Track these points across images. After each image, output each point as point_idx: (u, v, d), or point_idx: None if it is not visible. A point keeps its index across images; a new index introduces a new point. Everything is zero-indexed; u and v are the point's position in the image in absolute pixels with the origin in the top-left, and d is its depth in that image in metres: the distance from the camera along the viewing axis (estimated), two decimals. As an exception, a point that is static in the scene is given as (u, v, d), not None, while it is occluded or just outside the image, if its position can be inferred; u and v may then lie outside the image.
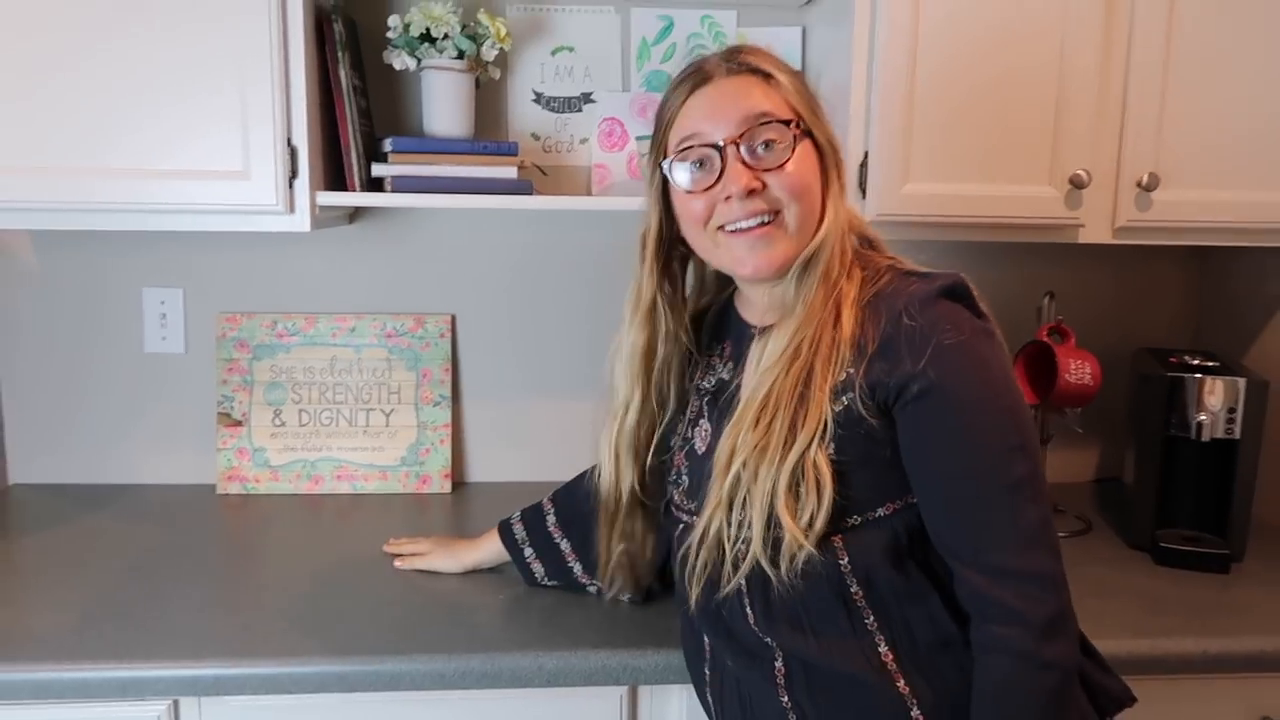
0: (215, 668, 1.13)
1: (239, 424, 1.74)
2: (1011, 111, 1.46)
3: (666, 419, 1.12)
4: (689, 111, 0.99)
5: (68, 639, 1.17)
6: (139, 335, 1.74)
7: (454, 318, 1.79)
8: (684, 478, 1.10)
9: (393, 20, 1.54)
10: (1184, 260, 1.87)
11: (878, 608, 0.94)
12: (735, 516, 0.96)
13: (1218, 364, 1.54)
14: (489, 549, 1.39)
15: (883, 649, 0.94)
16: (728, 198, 0.97)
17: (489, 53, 1.57)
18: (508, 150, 1.57)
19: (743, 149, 0.96)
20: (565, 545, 1.33)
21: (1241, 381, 1.46)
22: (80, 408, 1.75)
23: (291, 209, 1.41)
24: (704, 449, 1.07)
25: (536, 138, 1.74)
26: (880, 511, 0.95)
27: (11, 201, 1.37)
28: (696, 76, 1.00)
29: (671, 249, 1.08)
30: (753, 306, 1.08)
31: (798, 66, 1.72)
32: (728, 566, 0.98)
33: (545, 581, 1.34)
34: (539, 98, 1.74)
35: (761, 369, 0.98)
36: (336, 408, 1.76)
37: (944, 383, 0.90)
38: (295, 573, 1.40)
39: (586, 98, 1.74)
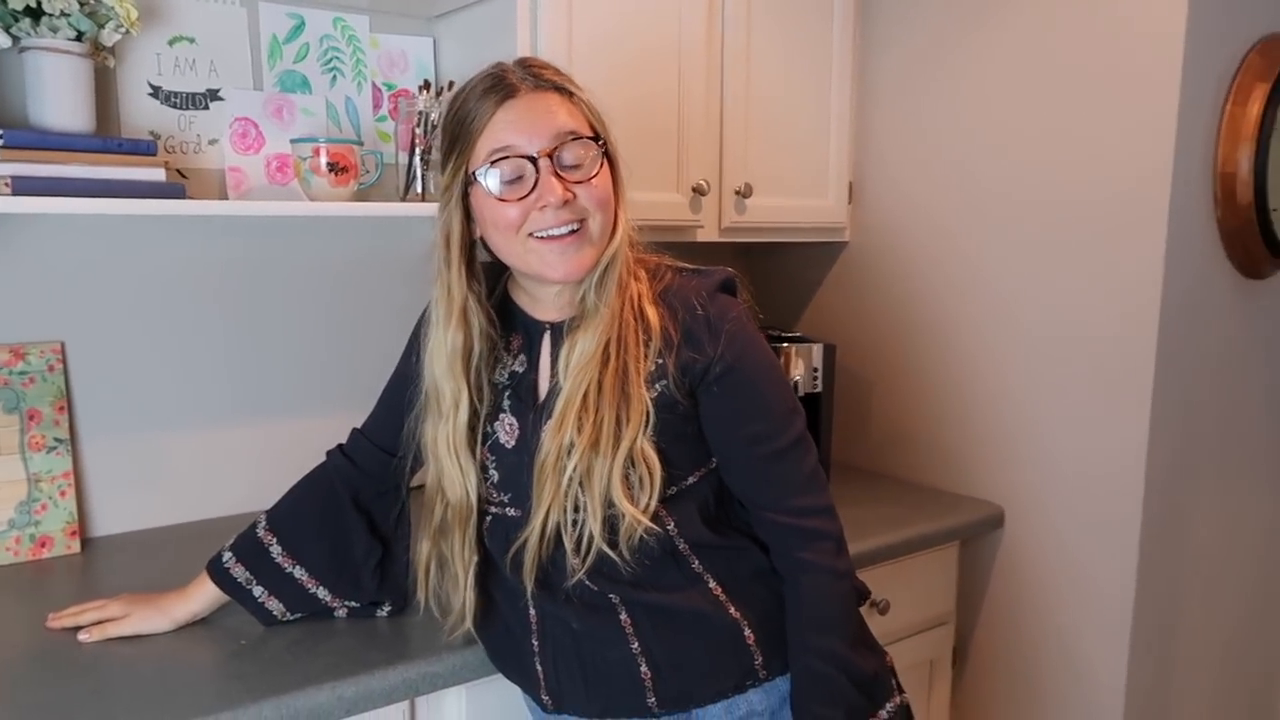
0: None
1: None
2: (648, 129, 1.69)
3: (484, 414, 1.12)
4: (499, 123, 1.03)
5: None
6: None
7: (64, 345, 1.51)
8: (492, 471, 1.12)
9: (-18, -13, 1.26)
10: (735, 256, 2.28)
11: (701, 555, 1.08)
12: (570, 511, 1.04)
13: (796, 334, 1.94)
14: (202, 597, 1.23)
15: (711, 585, 1.08)
16: (543, 206, 1.02)
17: (110, 37, 1.37)
18: (145, 149, 1.39)
19: (554, 162, 1.02)
20: (300, 572, 1.24)
21: (819, 347, 1.87)
22: None
23: (-116, 216, 1.10)
24: (512, 443, 1.11)
25: (156, 136, 1.54)
26: (691, 479, 1.09)
27: None
28: (502, 89, 1.03)
29: (473, 250, 1.10)
30: (539, 303, 1.13)
31: (429, 74, 1.77)
32: (569, 554, 1.04)
33: (287, 617, 1.24)
34: (156, 92, 1.54)
35: (574, 369, 1.04)
36: (-95, 471, 1.38)
37: (738, 364, 1.06)
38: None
39: (214, 95, 1.59)
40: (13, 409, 1.46)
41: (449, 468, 1.12)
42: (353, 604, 1.26)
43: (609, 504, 1.03)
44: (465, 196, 1.07)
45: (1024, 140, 1.75)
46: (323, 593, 1.24)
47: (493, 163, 1.03)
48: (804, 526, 1.07)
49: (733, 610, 1.08)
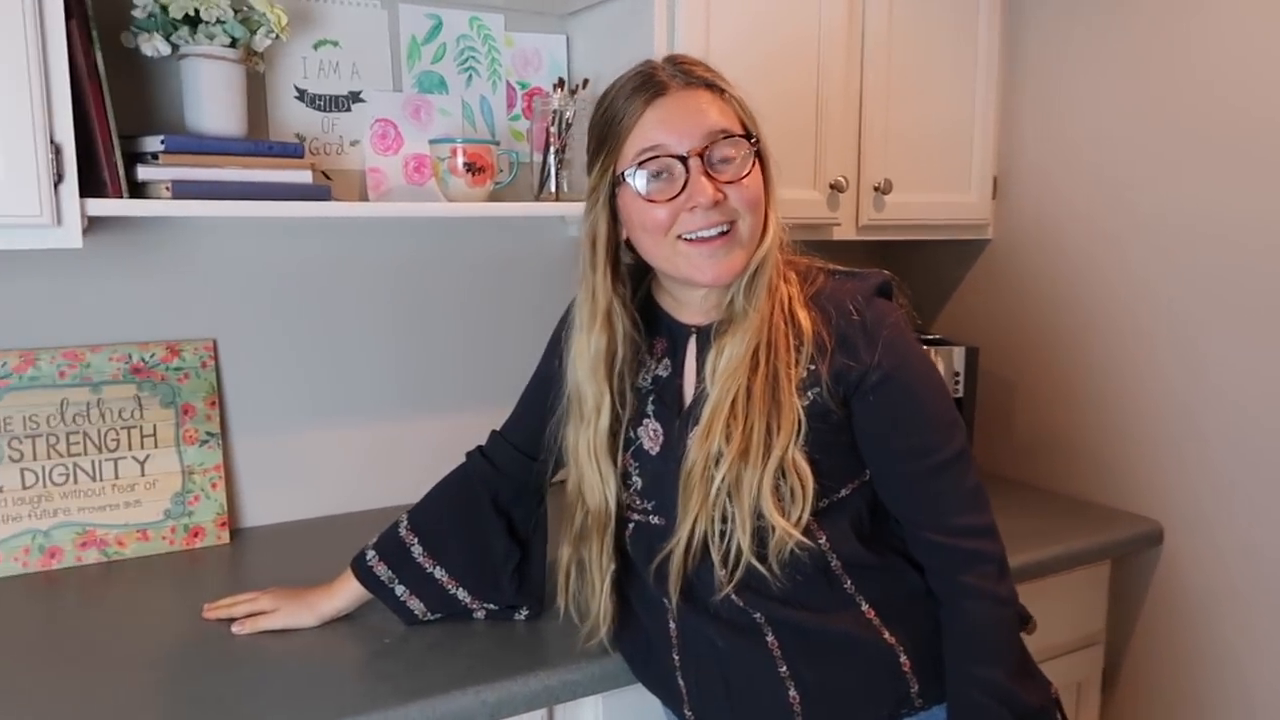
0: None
1: (-67, 497, 1.36)
2: (784, 125, 1.64)
3: (627, 419, 1.10)
4: (647, 122, 1.00)
5: None
6: None
7: (215, 343, 1.56)
8: (635, 478, 1.10)
9: (143, -1, 1.31)
10: (870, 254, 2.20)
11: (854, 575, 1.03)
12: (718, 522, 1.00)
13: (936, 336, 1.86)
14: (347, 595, 1.25)
15: (864, 607, 1.03)
16: (692, 207, 0.99)
17: (261, 42, 1.40)
18: (294, 151, 1.41)
19: (705, 161, 0.99)
20: (441, 573, 1.24)
21: (960, 349, 1.79)
22: None
23: (58, 220, 1.14)
24: (656, 450, 1.08)
25: (301, 138, 1.58)
26: (843, 492, 1.04)
27: None
28: (651, 87, 1.01)
29: (618, 253, 1.08)
30: (685, 307, 1.10)
31: (563, 72, 1.76)
32: (716, 566, 1.01)
33: (427, 617, 1.25)
34: (302, 95, 1.57)
35: (722, 374, 1.01)
36: (73, 461, 1.45)
37: (896, 372, 1.00)
38: (108, 664, 1.14)
39: (355, 96, 1.61)
40: (169, 403, 1.51)
41: (589, 473, 1.10)
42: (491, 606, 1.26)
43: (758, 516, 0.99)
44: (612, 198, 1.05)
45: (1191, 140, 1.63)
46: (462, 594, 1.25)
47: (641, 163, 1.00)
48: (964, 547, 1.01)
49: (887, 635, 1.03)
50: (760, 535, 1.00)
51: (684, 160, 0.99)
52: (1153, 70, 1.68)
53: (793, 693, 1.03)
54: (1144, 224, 1.71)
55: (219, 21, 1.34)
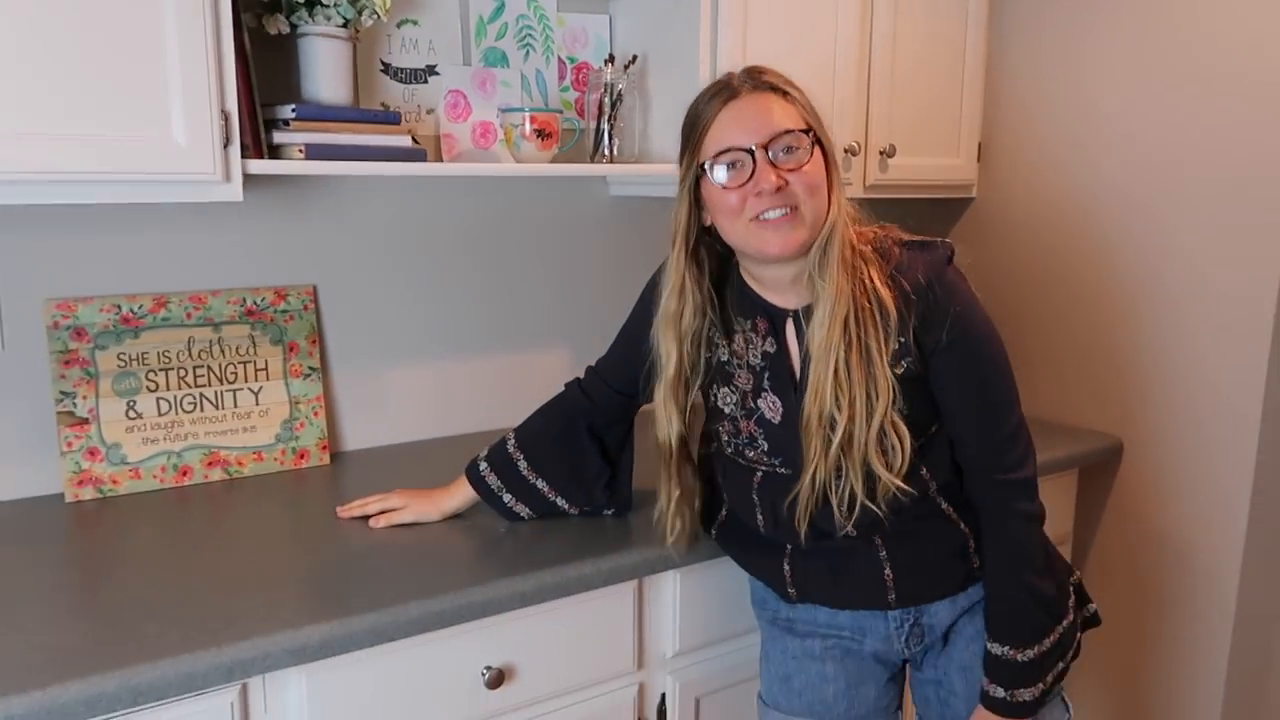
0: (282, 638, 1.11)
1: (85, 422, 1.56)
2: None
3: (699, 381, 1.32)
4: (723, 122, 1.19)
5: (106, 645, 1.07)
6: (-64, 333, 1.47)
7: (315, 288, 1.77)
8: (761, 441, 1.29)
9: (276, -16, 1.50)
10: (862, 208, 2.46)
11: (943, 489, 1.28)
12: (834, 472, 1.22)
13: (929, 283, 2.13)
14: (463, 496, 1.48)
15: (945, 507, 1.29)
16: (759, 193, 1.16)
17: (366, 21, 1.60)
18: (393, 119, 1.63)
19: (770, 154, 1.17)
20: (542, 484, 1.46)
21: (952, 293, 2.06)
22: None
23: (228, 177, 1.35)
24: (778, 419, 1.28)
25: (386, 107, 1.78)
26: (933, 429, 1.26)
27: None
28: (726, 92, 1.20)
29: (699, 236, 1.27)
30: (775, 290, 1.27)
31: (606, 48, 1.98)
32: (835, 510, 1.23)
33: (529, 517, 1.48)
34: (387, 68, 1.78)
35: (818, 353, 1.19)
36: (199, 391, 1.65)
37: (967, 336, 1.20)
38: (262, 554, 1.36)
39: (431, 70, 1.82)
40: (277, 341, 1.72)
41: (660, 412, 1.32)
42: (585, 508, 1.49)
43: (867, 467, 1.21)
44: (695, 187, 1.23)
45: (1159, 101, 1.92)
46: (561, 501, 1.47)
47: (717, 156, 1.18)
48: (1012, 479, 1.24)
49: (962, 525, 1.29)
50: (869, 481, 1.22)
51: (751, 153, 1.16)
52: (1130, 37, 1.96)
53: (888, 571, 1.29)
54: (1111, 180, 2.00)
55: (334, 5, 1.54)
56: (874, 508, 1.23)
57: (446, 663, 1.27)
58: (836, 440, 1.20)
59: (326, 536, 1.42)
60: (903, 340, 1.20)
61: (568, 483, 1.47)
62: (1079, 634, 1.35)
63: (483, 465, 1.48)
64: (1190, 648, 1.98)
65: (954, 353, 1.21)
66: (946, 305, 1.20)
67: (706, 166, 1.20)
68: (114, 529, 1.45)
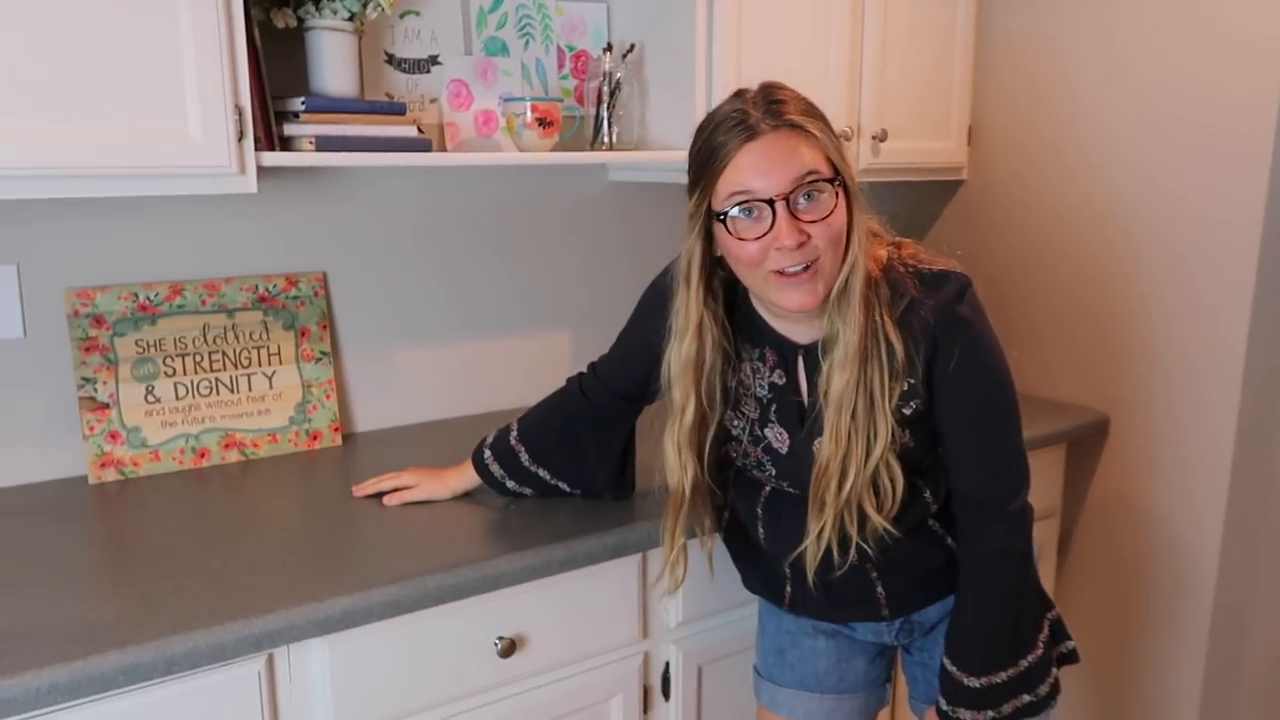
0: (307, 610, 1.17)
1: (106, 406, 1.61)
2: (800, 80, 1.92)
3: (717, 417, 1.28)
4: (740, 165, 1.11)
5: (141, 618, 1.13)
6: (-39, 322, 1.52)
7: (325, 275, 1.82)
8: (769, 466, 1.29)
9: (285, -21, 1.54)
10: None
11: (938, 510, 1.31)
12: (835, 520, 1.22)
13: (921, 264, 2.19)
14: (472, 476, 1.53)
15: (932, 524, 1.31)
16: (779, 248, 1.11)
17: (371, 14, 1.64)
18: (399, 109, 1.67)
19: (790, 203, 1.11)
20: (544, 474, 1.50)
21: (943, 274, 2.12)
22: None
23: (242, 170, 1.40)
24: (785, 449, 1.27)
25: (390, 97, 1.82)
26: (938, 451, 1.27)
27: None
28: (743, 131, 1.11)
29: (712, 271, 1.22)
30: (786, 324, 1.24)
31: (604, 37, 2.02)
32: (834, 551, 1.24)
33: (532, 496, 1.53)
34: (391, 59, 1.82)
35: (837, 395, 1.17)
36: (215, 376, 1.70)
37: (972, 370, 1.18)
38: (281, 531, 1.42)
39: (434, 60, 1.86)
40: (289, 327, 1.77)
41: (671, 458, 1.28)
42: (588, 493, 1.53)
43: (859, 511, 1.21)
44: (708, 224, 1.18)
45: (1122, 70, 1.97)
46: (563, 485, 1.52)
47: (734, 202, 1.12)
48: (1003, 512, 1.23)
49: (949, 540, 1.31)
50: (860, 521, 1.22)
51: (772, 204, 1.10)
52: (1115, 22, 2.00)
53: (880, 590, 1.32)
54: (1097, 161, 2.06)
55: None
56: (865, 545, 1.24)
57: (461, 633, 1.33)
58: (847, 487, 1.19)
59: (342, 514, 1.48)
60: (911, 382, 1.19)
61: (570, 474, 1.51)
62: (1054, 670, 1.31)
63: (487, 454, 1.52)
64: (1172, 617, 2.05)
65: (958, 384, 1.19)
66: (954, 342, 1.17)
67: (721, 213, 1.14)
68: (138, 509, 1.51)
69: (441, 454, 1.63)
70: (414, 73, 1.85)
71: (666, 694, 1.57)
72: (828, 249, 1.13)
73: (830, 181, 1.12)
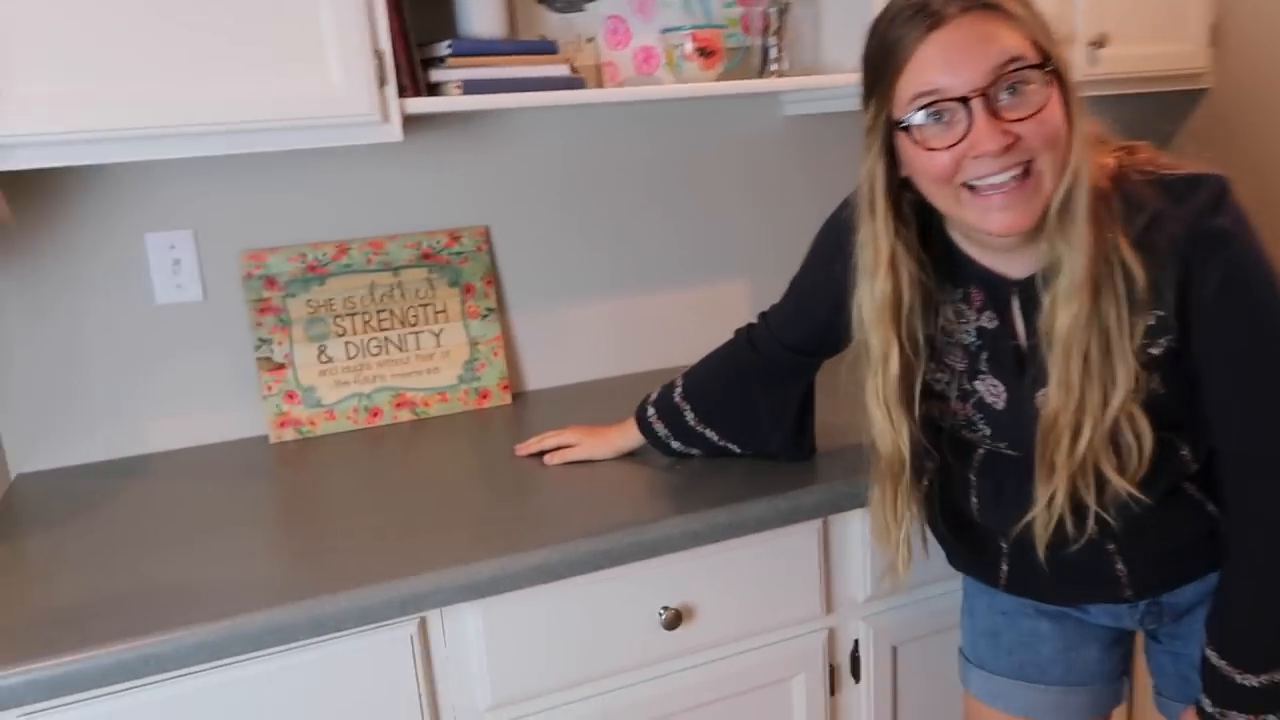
0: (454, 573, 1.11)
1: (282, 367, 1.63)
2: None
3: (922, 366, 1.08)
4: (923, 59, 0.91)
5: (293, 577, 1.11)
6: (147, 286, 1.58)
7: (489, 229, 1.77)
8: (982, 426, 1.10)
9: (428, -82, 1.48)
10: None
11: (1199, 470, 1.07)
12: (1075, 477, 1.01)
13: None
14: (634, 436, 1.43)
15: (1188, 487, 1.07)
16: (978, 155, 0.91)
17: (520, -48, 1.56)
18: (549, 49, 1.58)
19: (990, 100, 0.90)
20: (712, 434, 1.37)
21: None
22: (90, 375, 1.56)
23: (386, 117, 1.35)
24: (1001, 405, 1.08)
25: (543, 38, 1.73)
26: (1195, 397, 1.02)
27: (61, 134, 1.21)
28: (925, 18, 0.91)
29: (899, 194, 1.02)
30: (993, 254, 1.04)
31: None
32: (1068, 520, 1.03)
33: (699, 457, 1.41)
34: (543, -2, 1.73)
35: (1064, 334, 0.97)
36: (384, 335, 1.70)
37: (1239, 297, 0.95)
38: (443, 491, 1.37)
39: (589, -3, 1.76)
40: (454, 283, 1.74)
41: (879, 419, 1.08)
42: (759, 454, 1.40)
43: (1097, 474, 1.01)
44: (889, 137, 0.98)
45: None
46: (733, 447, 1.38)
47: (919, 105, 0.92)
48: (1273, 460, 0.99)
49: (1209, 506, 1.07)
50: (1101, 486, 1.01)
51: (966, 102, 0.90)
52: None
53: (1120, 566, 1.10)
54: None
55: (486, -65, 1.50)
56: (1104, 514, 1.03)
57: (621, 601, 1.24)
58: (1081, 446, 0.98)
59: (504, 474, 1.42)
60: (1159, 314, 0.96)
61: (741, 435, 1.38)
62: None
63: (650, 411, 1.41)
64: None
65: (1220, 314, 0.96)
66: (1212, 262, 0.94)
67: (903, 120, 0.94)
68: (314, 468, 1.51)
69: (612, 412, 1.52)
70: (568, 11, 1.75)
71: (856, 675, 1.42)
72: (1043, 151, 0.92)
73: (1040, 68, 0.91)
